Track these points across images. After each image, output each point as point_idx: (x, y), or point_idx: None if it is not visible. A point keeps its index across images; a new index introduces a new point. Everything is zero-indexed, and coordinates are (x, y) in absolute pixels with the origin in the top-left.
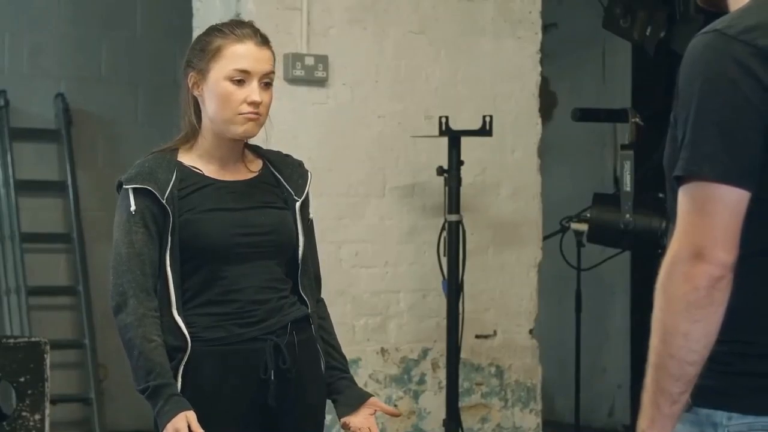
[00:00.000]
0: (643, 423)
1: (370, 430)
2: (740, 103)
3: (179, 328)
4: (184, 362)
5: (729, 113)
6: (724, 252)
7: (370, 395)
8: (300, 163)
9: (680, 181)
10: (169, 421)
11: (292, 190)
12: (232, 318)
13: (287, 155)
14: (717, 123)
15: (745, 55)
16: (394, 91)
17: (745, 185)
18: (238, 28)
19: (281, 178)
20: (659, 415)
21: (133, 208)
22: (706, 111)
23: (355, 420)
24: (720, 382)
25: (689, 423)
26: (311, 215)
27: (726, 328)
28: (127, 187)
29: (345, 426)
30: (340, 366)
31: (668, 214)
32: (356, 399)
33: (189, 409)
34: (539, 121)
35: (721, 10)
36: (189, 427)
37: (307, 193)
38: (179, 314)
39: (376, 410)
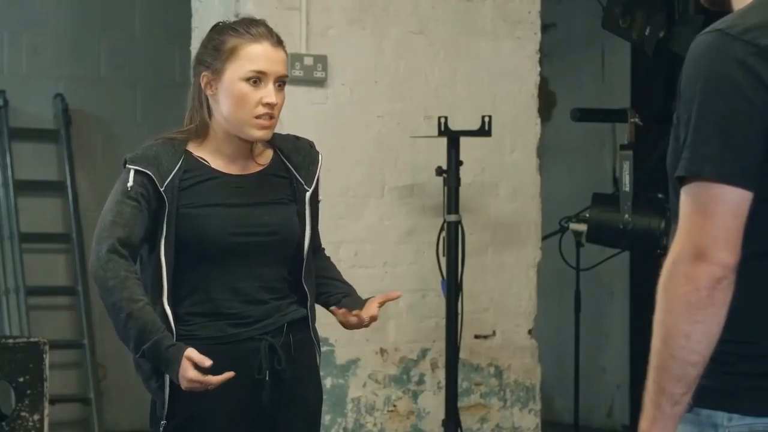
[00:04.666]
0: (644, 424)
1: (367, 318)
2: (742, 103)
3: (167, 319)
4: None
5: (730, 113)
6: (726, 253)
7: (369, 298)
8: (311, 145)
9: (682, 181)
10: (176, 374)
11: (302, 180)
12: (227, 317)
13: (297, 138)
14: (718, 123)
15: (747, 55)
16: (393, 92)
17: (746, 185)
18: (253, 27)
19: (291, 168)
20: (661, 416)
21: (130, 184)
22: (707, 111)
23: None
24: (720, 383)
25: (690, 423)
26: (321, 197)
27: (726, 328)
28: (129, 166)
29: (345, 318)
30: (339, 291)
31: (670, 214)
32: (358, 305)
33: (186, 349)
34: (538, 121)
35: (725, 9)
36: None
37: (318, 177)
38: (169, 304)
39: (380, 303)
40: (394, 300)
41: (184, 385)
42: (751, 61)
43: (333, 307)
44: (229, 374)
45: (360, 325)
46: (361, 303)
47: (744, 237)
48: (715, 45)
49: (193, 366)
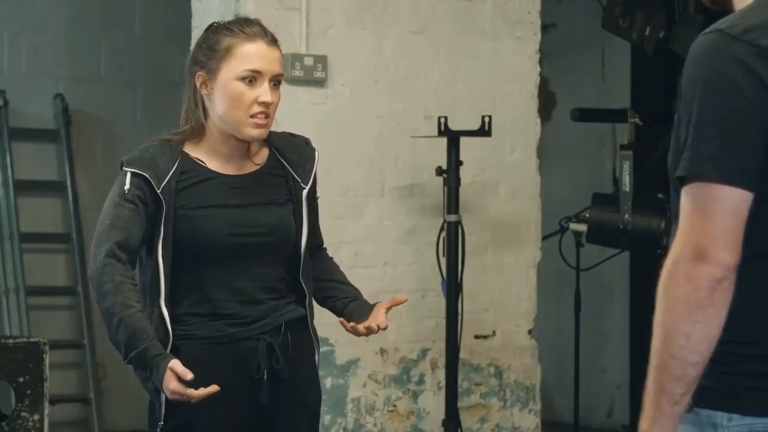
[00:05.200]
0: (644, 424)
1: (376, 326)
2: (742, 104)
3: (164, 321)
4: None
5: (730, 113)
6: (726, 253)
7: (377, 303)
8: (306, 142)
9: (682, 181)
10: (161, 384)
11: (299, 178)
12: (225, 317)
13: (293, 136)
14: (718, 123)
15: (747, 55)
16: (393, 92)
17: (746, 186)
18: (248, 26)
19: (287, 166)
20: (661, 416)
21: (126, 186)
22: (707, 111)
23: (363, 323)
24: (720, 383)
25: (690, 423)
26: (318, 194)
27: (726, 328)
28: (126, 169)
29: (355, 330)
30: (346, 295)
31: (671, 214)
32: (365, 310)
33: (171, 360)
34: (538, 121)
35: (726, 8)
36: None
37: (315, 173)
38: (166, 306)
39: (387, 308)
40: (401, 304)
41: (167, 395)
42: (751, 61)
43: (342, 320)
44: (213, 388)
45: (369, 334)
46: (368, 308)
47: (744, 237)
48: (715, 45)
49: (176, 378)
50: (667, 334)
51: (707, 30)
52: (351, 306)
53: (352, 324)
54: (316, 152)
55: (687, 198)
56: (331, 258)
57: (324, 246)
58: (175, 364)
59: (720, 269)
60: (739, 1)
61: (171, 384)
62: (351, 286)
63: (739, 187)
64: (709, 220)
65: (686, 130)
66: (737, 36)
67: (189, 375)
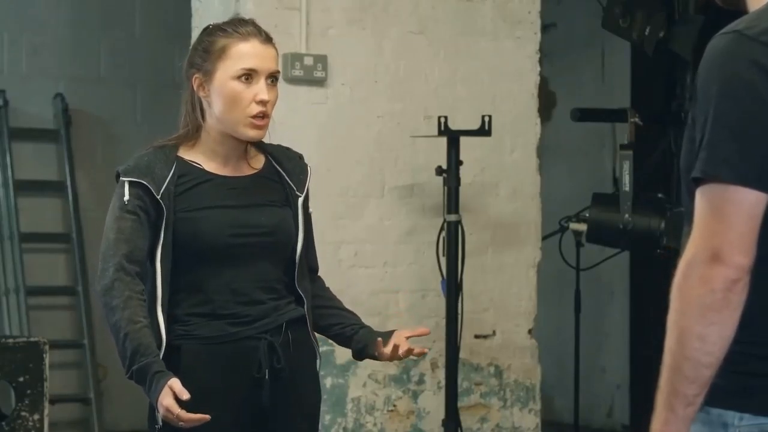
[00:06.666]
0: (656, 425)
1: (409, 349)
2: (757, 105)
3: (159, 326)
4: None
5: (746, 115)
6: (740, 255)
7: (394, 330)
8: (300, 156)
9: (697, 183)
10: (156, 400)
11: (294, 186)
12: (226, 317)
13: (287, 148)
14: (734, 125)
15: (762, 56)
16: (393, 91)
17: (761, 188)
18: (241, 26)
19: (283, 173)
20: (673, 417)
21: (126, 198)
22: (723, 113)
23: (389, 348)
24: (732, 382)
25: (700, 422)
26: (310, 210)
27: (738, 328)
28: (123, 179)
29: (391, 353)
30: (354, 322)
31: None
32: (384, 336)
33: (171, 378)
34: (538, 121)
35: (739, 8)
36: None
37: (308, 189)
38: (163, 311)
39: (408, 336)
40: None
41: (160, 411)
42: (766, 62)
43: (379, 341)
44: (205, 417)
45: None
46: (376, 335)
47: (758, 239)
48: (731, 46)
49: (172, 395)
50: (681, 335)
51: (724, 30)
52: (361, 333)
53: (388, 350)
54: (309, 168)
55: (702, 199)
56: (329, 288)
57: (319, 274)
58: (175, 382)
59: (735, 271)
60: (754, 1)
61: (165, 400)
62: (354, 314)
63: (754, 188)
64: (724, 222)
65: (702, 130)
66: (754, 37)
67: (186, 395)
